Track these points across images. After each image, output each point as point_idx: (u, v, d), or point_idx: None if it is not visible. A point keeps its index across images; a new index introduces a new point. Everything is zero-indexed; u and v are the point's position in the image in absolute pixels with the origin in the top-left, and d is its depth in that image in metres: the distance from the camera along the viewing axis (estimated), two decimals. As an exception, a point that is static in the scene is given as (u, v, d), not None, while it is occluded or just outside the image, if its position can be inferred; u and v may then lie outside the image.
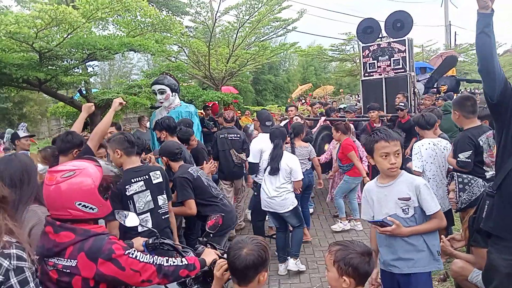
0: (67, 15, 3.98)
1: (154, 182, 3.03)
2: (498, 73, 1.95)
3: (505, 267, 2.02)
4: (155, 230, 2.38)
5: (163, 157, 3.62)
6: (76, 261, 1.67)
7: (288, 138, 4.78)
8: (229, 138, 5.30)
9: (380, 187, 2.42)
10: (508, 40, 57.54)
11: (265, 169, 4.26)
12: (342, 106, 12.14)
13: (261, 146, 4.64)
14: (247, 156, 5.07)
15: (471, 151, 3.47)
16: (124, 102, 3.40)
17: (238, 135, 5.36)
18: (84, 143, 3.13)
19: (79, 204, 1.71)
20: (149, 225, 2.92)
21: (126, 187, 2.89)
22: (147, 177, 3.00)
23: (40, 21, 4.05)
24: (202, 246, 2.21)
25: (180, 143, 4.03)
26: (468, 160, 3.49)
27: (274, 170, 4.09)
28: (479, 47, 1.97)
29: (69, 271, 1.68)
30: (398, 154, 2.31)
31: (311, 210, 5.99)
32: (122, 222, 2.18)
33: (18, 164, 2.06)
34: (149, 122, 7.48)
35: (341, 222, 5.50)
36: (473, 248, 2.77)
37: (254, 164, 4.73)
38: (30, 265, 1.47)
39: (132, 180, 2.93)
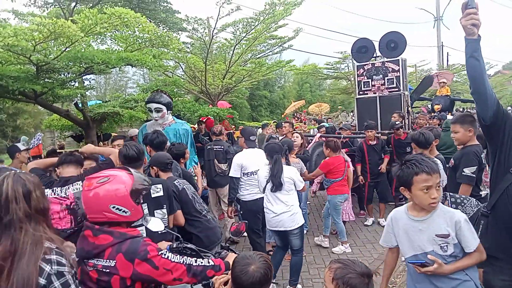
0: (65, 29, 4.00)
1: (153, 195, 3.02)
2: (489, 95, 2.00)
3: (500, 286, 2.03)
4: (179, 235, 2.39)
5: (153, 167, 3.59)
6: (115, 261, 1.83)
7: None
8: (214, 149, 5.85)
9: (413, 221, 2.20)
10: (499, 61, 58.69)
11: (264, 188, 4.14)
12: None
13: (241, 161, 4.69)
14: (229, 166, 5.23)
15: (476, 167, 3.47)
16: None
17: (222, 147, 5.81)
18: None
19: (114, 207, 1.90)
20: None
21: None
22: None
23: (39, 34, 4.06)
24: (225, 251, 2.31)
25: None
26: (473, 175, 3.47)
27: (277, 185, 3.99)
28: (469, 71, 2.04)
29: (108, 270, 1.84)
30: (439, 187, 2.12)
31: (304, 231, 5.97)
32: (146, 225, 2.26)
33: None
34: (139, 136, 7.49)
35: (342, 245, 5.51)
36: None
37: (232, 178, 4.72)
38: (69, 269, 1.63)
39: None
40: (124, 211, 1.92)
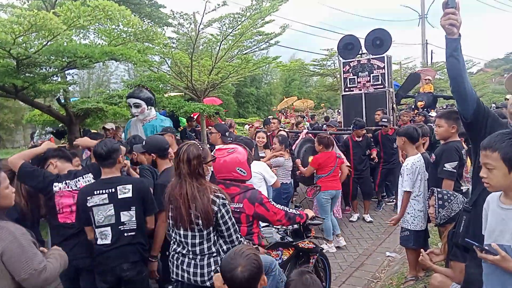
0: (47, 21, 3.88)
1: (119, 196, 2.90)
2: (469, 94, 2.04)
3: (481, 281, 2.06)
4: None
5: (152, 154, 3.51)
6: (242, 204, 2.81)
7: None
8: None
9: (500, 208, 1.88)
10: (482, 59, 59.85)
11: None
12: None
13: None
14: None
15: (457, 162, 3.54)
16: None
17: (231, 139, 6.05)
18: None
19: (238, 169, 2.88)
20: (108, 239, 2.89)
21: (88, 198, 2.87)
22: (112, 190, 2.89)
23: (19, 26, 3.93)
24: (301, 207, 3.28)
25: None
26: (454, 170, 3.54)
27: None
28: (449, 69, 2.08)
29: (238, 210, 2.80)
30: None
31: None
32: None
33: None
34: (123, 133, 7.39)
35: (326, 244, 5.45)
36: (452, 262, 2.81)
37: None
38: (228, 202, 2.52)
39: (95, 192, 2.89)
40: (243, 172, 2.90)
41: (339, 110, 14.19)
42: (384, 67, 8.37)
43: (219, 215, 2.42)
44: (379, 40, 8.49)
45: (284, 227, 3.25)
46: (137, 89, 5.60)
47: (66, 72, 6.37)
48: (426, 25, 26.30)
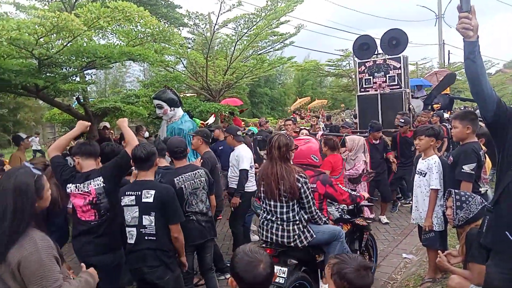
0: (68, 22, 3.98)
1: (143, 200, 2.97)
2: (488, 95, 2.04)
3: (501, 280, 2.06)
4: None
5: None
6: (316, 185, 3.38)
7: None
8: (257, 138, 6.95)
9: None
10: (501, 60, 58.65)
11: None
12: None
13: (250, 154, 4.91)
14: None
15: (475, 164, 3.49)
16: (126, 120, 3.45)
17: (261, 136, 6.89)
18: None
19: (312, 156, 3.51)
20: (133, 239, 2.98)
21: (121, 198, 3.01)
22: (139, 193, 2.98)
23: (42, 28, 4.04)
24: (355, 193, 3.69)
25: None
26: (472, 172, 3.48)
27: None
28: (466, 72, 2.09)
29: (313, 189, 3.26)
30: None
31: None
32: None
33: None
34: (147, 132, 7.50)
35: None
36: (470, 264, 2.78)
37: (247, 171, 4.80)
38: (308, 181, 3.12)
39: (126, 193, 3.01)
40: (316, 159, 3.53)
41: (352, 111, 14.12)
42: (400, 67, 8.28)
43: (302, 190, 2.99)
44: (396, 40, 8.41)
45: (342, 206, 3.80)
46: (161, 90, 5.69)
47: (85, 72, 6.52)
48: (443, 25, 25.94)
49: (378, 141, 6.71)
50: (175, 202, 3.04)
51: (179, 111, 5.65)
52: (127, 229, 3.02)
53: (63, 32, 4.39)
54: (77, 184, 3.03)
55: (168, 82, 8.30)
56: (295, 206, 3.07)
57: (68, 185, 3.05)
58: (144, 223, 2.96)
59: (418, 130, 4.05)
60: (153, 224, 2.96)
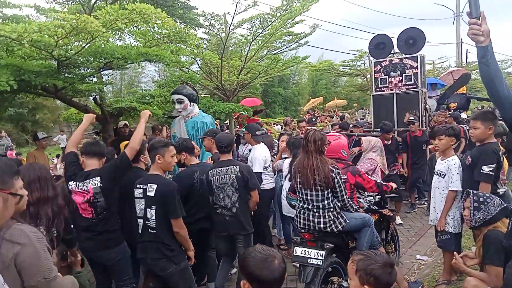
0: (88, 24, 4.07)
1: (147, 194, 3.10)
2: (505, 97, 2.05)
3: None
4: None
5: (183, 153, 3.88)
6: (346, 176, 3.67)
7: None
8: None
9: None
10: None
11: (285, 177, 4.55)
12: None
13: (264, 154, 4.88)
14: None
15: (495, 165, 3.43)
16: (150, 114, 3.55)
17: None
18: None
19: (342, 150, 3.84)
20: (140, 230, 3.16)
21: (134, 190, 3.21)
22: (145, 186, 3.12)
23: (61, 29, 4.14)
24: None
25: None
26: (491, 173, 3.42)
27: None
28: (481, 75, 2.11)
29: (344, 180, 3.50)
30: None
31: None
32: None
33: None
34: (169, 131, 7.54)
35: None
36: (487, 266, 2.75)
37: (259, 174, 4.78)
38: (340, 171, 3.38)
39: (137, 186, 3.18)
40: (345, 153, 3.87)
41: (368, 111, 13.97)
42: (417, 66, 8.19)
43: (335, 180, 3.28)
44: (412, 39, 8.31)
45: (369, 198, 4.13)
46: (180, 86, 5.73)
47: (102, 72, 6.63)
48: (461, 24, 25.49)
49: (390, 142, 6.69)
50: (175, 197, 3.09)
51: (196, 107, 5.67)
52: (138, 220, 3.19)
53: (82, 34, 4.48)
54: (77, 182, 3.14)
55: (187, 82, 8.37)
56: (330, 195, 3.35)
57: (70, 182, 3.18)
58: (148, 216, 3.09)
59: (438, 130, 3.97)
60: (153, 217, 3.07)
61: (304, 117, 15.97)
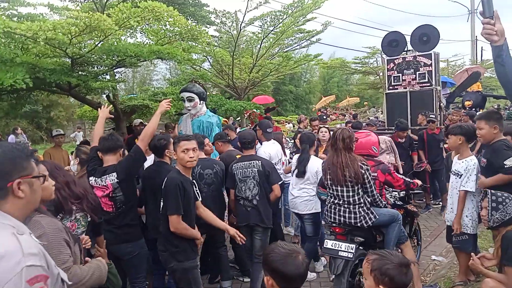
0: (101, 22, 4.10)
1: (163, 187, 3.14)
2: None
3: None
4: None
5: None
6: (376, 173, 3.72)
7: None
8: None
9: None
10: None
11: (292, 172, 4.50)
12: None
13: (269, 151, 4.83)
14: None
15: None
16: (171, 105, 3.57)
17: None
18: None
19: (372, 147, 3.89)
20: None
21: None
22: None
23: (75, 28, 4.17)
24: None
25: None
26: None
27: (301, 172, 4.32)
28: (496, 74, 2.11)
29: (374, 177, 3.56)
30: None
31: None
32: None
33: None
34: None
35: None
36: (506, 267, 2.68)
37: None
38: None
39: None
40: (376, 150, 3.94)
41: (381, 109, 13.83)
42: (431, 64, 8.06)
43: (365, 176, 3.34)
44: (426, 37, 8.18)
45: (394, 194, 4.23)
46: (190, 84, 5.70)
47: (115, 70, 6.67)
48: (476, 21, 25.05)
49: (403, 140, 6.60)
50: (173, 193, 2.97)
51: (204, 106, 5.66)
52: None
53: (95, 32, 4.51)
54: (96, 178, 3.20)
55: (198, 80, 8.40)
56: (359, 190, 3.42)
57: (90, 178, 3.23)
58: (161, 209, 3.11)
59: (449, 129, 3.96)
60: (161, 211, 3.08)
61: (316, 113, 15.93)
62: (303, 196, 4.32)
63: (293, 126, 15.50)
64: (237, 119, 13.17)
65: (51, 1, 6.01)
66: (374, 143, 3.93)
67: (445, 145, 6.47)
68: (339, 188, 3.47)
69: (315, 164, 4.27)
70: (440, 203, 7.00)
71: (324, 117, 9.31)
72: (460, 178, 3.71)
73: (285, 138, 6.96)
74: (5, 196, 1.35)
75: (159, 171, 3.44)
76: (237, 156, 4.28)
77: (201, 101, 5.46)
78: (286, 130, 13.42)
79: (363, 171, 3.33)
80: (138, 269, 3.27)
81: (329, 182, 3.55)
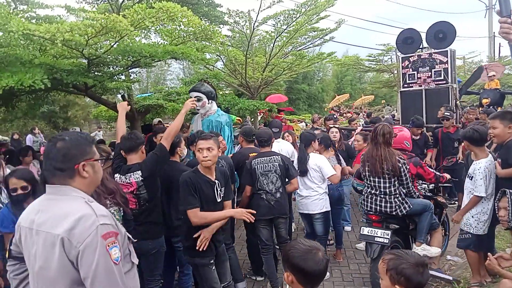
0: (116, 23, 4.16)
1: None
2: None
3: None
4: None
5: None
6: (409, 166, 3.76)
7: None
8: None
9: None
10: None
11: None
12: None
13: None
14: None
15: None
16: (196, 104, 3.64)
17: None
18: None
19: (405, 141, 4.09)
20: None
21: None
22: None
23: (91, 29, 4.25)
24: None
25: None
26: None
27: (303, 172, 4.41)
28: None
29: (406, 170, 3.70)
30: None
31: (348, 228, 5.88)
32: None
33: None
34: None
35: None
36: (524, 268, 2.64)
37: None
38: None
39: None
40: (408, 144, 4.12)
41: (395, 108, 13.66)
42: (447, 61, 7.92)
43: (402, 169, 3.62)
44: (442, 33, 8.04)
45: (424, 186, 4.42)
46: (199, 83, 5.73)
47: (130, 70, 6.77)
48: (493, 17, 24.49)
49: (418, 137, 6.52)
50: (181, 189, 3.03)
51: (214, 105, 5.66)
52: None
53: (111, 33, 4.59)
54: (121, 175, 3.28)
55: (208, 80, 8.45)
56: (396, 182, 3.70)
57: (116, 175, 3.31)
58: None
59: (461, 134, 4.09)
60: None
61: (328, 112, 15.84)
62: (312, 196, 4.37)
63: (306, 125, 15.45)
64: (251, 119, 13.22)
65: (68, 2, 6.13)
66: (407, 138, 4.17)
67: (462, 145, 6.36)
68: (376, 180, 3.74)
69: (315, 160, 4.39)
70: (456, 202, 6.90)
71: (335, 116, 9.24)
72: (471, 180, 3.69)
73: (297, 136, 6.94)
74: (73, 176, 1.61)
75: (170, 169, 3.52)
76: (251, 155, 4.32)
77: (210, 101, 5.48)
78: (299, 128, 13.37)
79: (400, 165, 3.59)
80: (155, 267, 3.32)
81: (367, 173, 3.83)
